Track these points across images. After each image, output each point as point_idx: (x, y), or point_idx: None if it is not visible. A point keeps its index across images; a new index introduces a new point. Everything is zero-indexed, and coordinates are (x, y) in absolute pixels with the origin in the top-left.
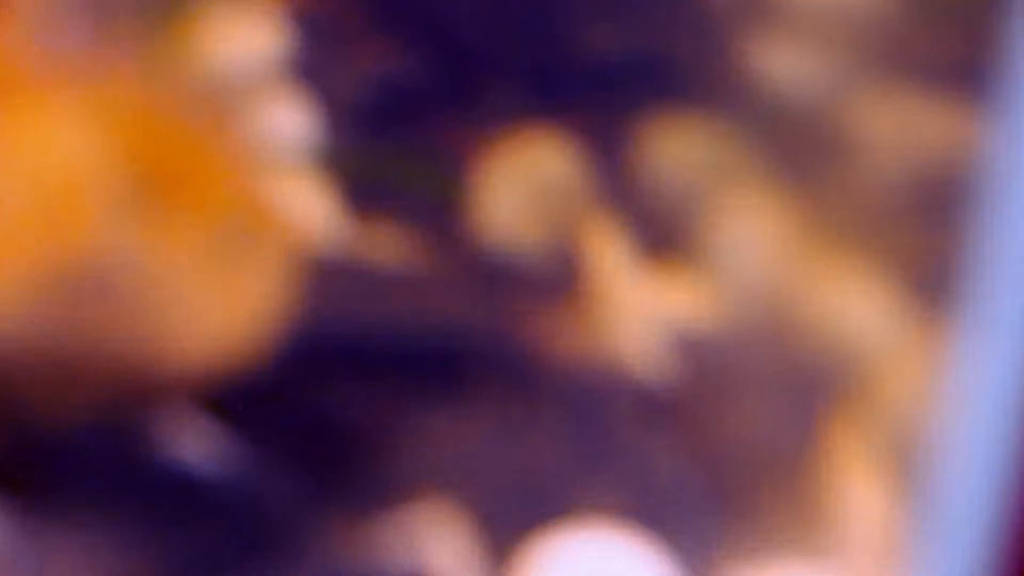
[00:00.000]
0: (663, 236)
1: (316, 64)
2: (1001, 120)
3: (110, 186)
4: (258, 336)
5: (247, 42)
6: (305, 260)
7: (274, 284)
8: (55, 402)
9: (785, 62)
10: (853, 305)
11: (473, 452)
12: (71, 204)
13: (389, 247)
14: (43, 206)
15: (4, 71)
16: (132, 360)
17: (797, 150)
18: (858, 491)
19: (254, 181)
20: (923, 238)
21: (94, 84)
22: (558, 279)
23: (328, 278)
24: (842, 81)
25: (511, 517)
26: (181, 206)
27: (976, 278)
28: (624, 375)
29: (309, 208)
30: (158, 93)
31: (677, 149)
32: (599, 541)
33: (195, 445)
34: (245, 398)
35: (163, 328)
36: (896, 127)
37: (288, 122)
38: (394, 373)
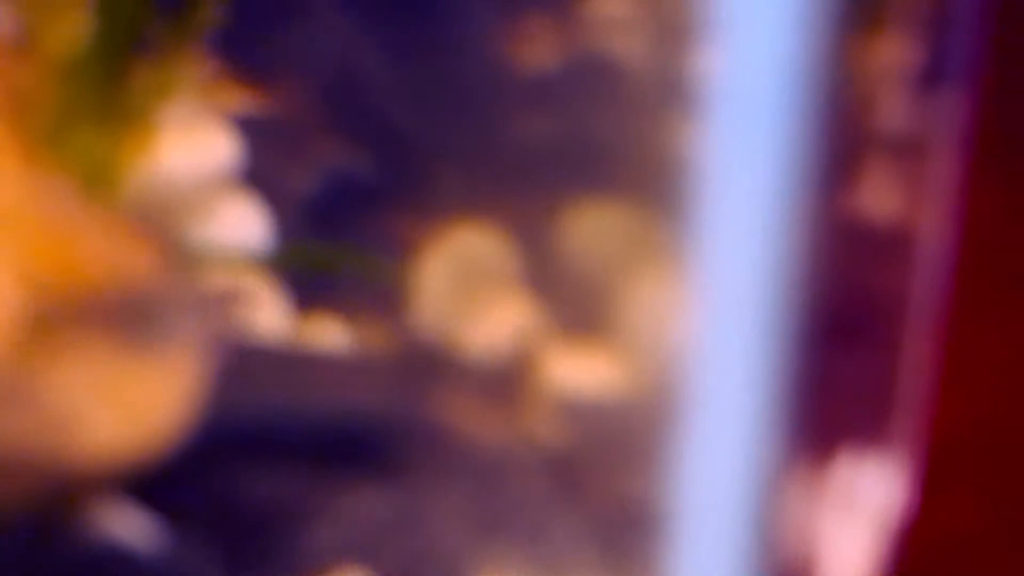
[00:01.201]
0: (580, 312)
1: (264, 166)
2: None
3: (12, 300)
4: (171, 425)
5: (194, 148)
6: (228, 351)
7: (186, 377)
8: None
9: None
10: None
11: (385, 526)
12: None
13: (327, 337)
14: None
15: None
16: (44, 457)
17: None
18: None
19: (173, 280)
20: None
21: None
22: (482, 360)
23: (256, 367)
24: None
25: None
26: (86, 310)
27: None
28: (532, 446)
29: (247, 303)
30: (77, 202)
31: (596, 230)
32: None
33: (116, 529)
34: (164, 482)
35: (72, 426)
36: None
37: (236, 224)
38: (310, 454)
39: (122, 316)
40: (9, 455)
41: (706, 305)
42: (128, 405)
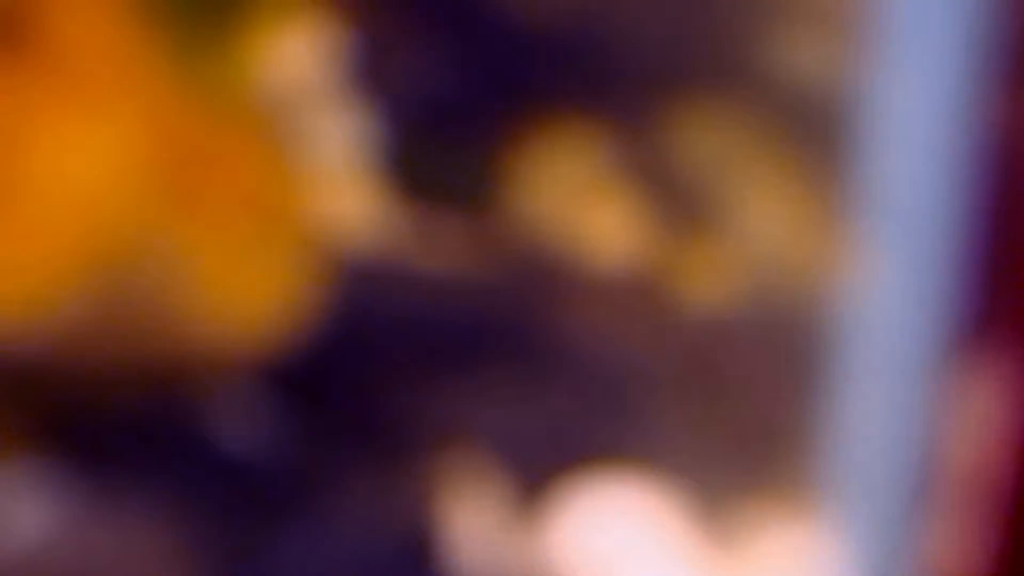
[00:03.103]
0: (687, 212)
1: (370, 69)
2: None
3: (148, 187)
4: (291, 322)
5: (303, 51)
6: (343, 252)
7: (304, 276)
8: (111, 382)
9: (798, 53)
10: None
11: (508, 416)
12: (112, 203)
13: (435, 239)
14: (87, 204)
15: (54, 76)
16: (173, 341)
17: (805, 132)
18: None
19: (289, 184)
20: None
21: (141, 93)
22: (589, 261)
23: (374, 269)
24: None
25: (539, 468)
26: (213, 205)
27: None
28: (643, 346)
29: (357, 206)
30: (204, 102)
31: (699, 133)
32: (615, 485)
33: (239, 416)
34: (289, 374)
35: (197, 314)
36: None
37: (344, 126)
38: (432, 350)
39: (247, 217)
40: (138, 315)
41: (866, 235)
42: (247, 301)
